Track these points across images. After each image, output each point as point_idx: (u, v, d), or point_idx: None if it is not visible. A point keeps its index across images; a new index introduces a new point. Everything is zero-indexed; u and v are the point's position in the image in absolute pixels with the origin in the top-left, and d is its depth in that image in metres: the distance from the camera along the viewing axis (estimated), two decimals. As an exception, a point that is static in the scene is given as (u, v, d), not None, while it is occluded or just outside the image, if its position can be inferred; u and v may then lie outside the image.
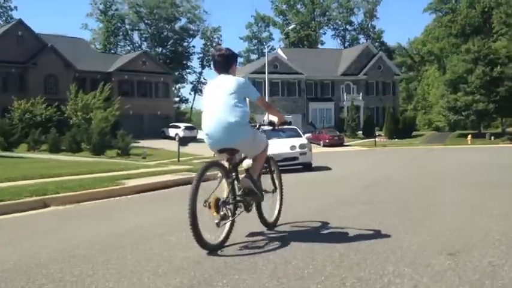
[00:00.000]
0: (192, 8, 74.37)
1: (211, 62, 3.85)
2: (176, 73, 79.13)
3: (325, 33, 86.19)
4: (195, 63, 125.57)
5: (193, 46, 79.86)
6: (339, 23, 79.84)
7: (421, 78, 78.37)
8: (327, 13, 79.06)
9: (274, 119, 4.06)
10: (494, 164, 14.50)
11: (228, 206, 3.46)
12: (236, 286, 2.51)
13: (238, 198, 3.57)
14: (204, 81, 77.82)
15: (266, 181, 4.02)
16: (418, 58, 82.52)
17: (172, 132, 40.11)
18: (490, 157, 18.59)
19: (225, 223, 3.45)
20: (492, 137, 38.30)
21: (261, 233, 3.88)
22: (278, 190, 4.22)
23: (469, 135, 37.26)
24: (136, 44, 76.04)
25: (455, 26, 75.27)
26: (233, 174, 3.59)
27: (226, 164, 3.57)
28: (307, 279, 2.59)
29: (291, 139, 13.51)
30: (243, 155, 3.81)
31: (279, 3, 78.89)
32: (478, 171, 11.83)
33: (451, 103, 40.31)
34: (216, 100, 3.57)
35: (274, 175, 4.18)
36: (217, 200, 3.34)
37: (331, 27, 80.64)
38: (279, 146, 12.25)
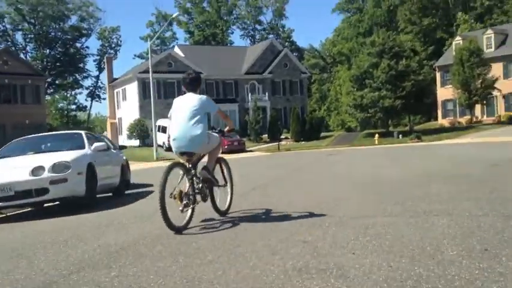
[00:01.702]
0: (83, 5, 66.89)
1: (182, 83, 4.97)
2: (70, 78, 71.15)
3: (232, 33, 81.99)
4: (90, 66, 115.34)
5: (87, 47, 71.99)
6: (248, 22, 76.33)
7: (333, 79, 77.34)
8: (234, 11, 75.25)
9: (226, 128, 5.36)
10: (378, 177, 10.50)
11: (189, 197, 4.56)
12: (194, 251, 3.72)
13: (196, 190, 4.68)
14: (102, 85, 70.61)
15: (218, 177, 5.10)
16: (330, 59, 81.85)
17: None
18: (388, 162, 15.05)
19: (187, 210, 4.56)
20: (400, 136, 36.00)
21: (215, 219, 5.06)
22: (229, 184, 5.34)
23: (376, 135, 34.59)
24: (20, 46, 67.03)
25: (363, 25, 74.87)
26: (192, 171, 4.67)
27: (186, 164, 4.68)
28: (244, 245, 3.78)
29: (46, 155, 7.51)
30: (201, 155, 4.94)
31: (182, 0, 73.74)
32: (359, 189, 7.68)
33: (357, 100, 37.55)
34: (183, 114, 4.68)
35: (225, 172, 5.34)
36: (181, 192, 4.47)
37: (240, 26, 77.00)
38: (5, 171, 6.87)
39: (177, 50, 49.82)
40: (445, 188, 6.89)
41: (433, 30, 63.08)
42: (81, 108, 75.40)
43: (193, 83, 4.90)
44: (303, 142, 40.05)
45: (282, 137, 42.29)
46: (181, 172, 4.62)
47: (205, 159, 5.04)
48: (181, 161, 4.69)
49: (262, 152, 35.31)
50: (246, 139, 41.86)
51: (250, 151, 37.14)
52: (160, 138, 39.58)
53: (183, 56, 46.74)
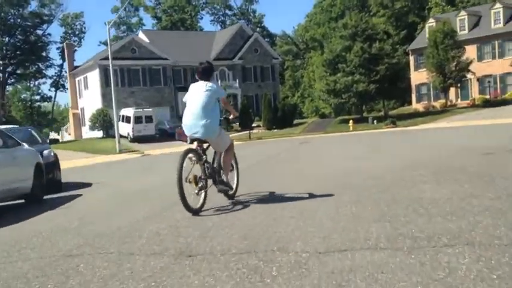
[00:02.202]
0: (44, -10, 63.05)
1: (195, 71, 5.34)
2: (33, 67, 67.39)
3: (202, 18, 79.31)
4: (54, 54, 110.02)
5: (49, 34, 68.18)
6: (217, 7, 73.72)
7: (307, 65, 75.85)
8: (203, -4, 72.58)
9: (229, 114, 5.59)
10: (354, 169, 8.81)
11: (202, 180, 4.84)
12: (209, 230, 4.01)
13: (208, 175, 4.92)
14: (66, 74, 66.95)
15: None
16: (303, 45, 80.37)
17: None
18: (365, 152, 13.46)
19: (202, 193, 4.83)
20: (375, 121, 34.66)
21: (225, 202, 5.31)
22: (235, 170, 5.60)
23: (351, 121, 33.16)
24: (-24, 33, 62.74)
25: (335, 10, 73.29)
26: (204, 157, 4.93)
27: (198, 150, 4.90)
28: (259, 224, 4.08)
29: None
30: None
31: (149, -16, 70.59)
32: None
33: (330, 85, 35.95)
34: (196, 101, 4.97)
35: (233, 162, 5.55)
36: (195, 176, 4.74)
37: (209, 11, 74.31)
38: None
39: (141, 35, 47.19)
40: (442, 188, 5.22)
41: (405, 14, 62.08)
42: (46, 98, 71.75)
43: (206, 72, 5.19)
44: (276, 130, 38.36)
45: (254, 125, 40.52)
46: (194, 158, 4.83)
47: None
48: (193, 146, 4.93)
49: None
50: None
51: (220, 140, 35.22)
52: (124, 128, 37.41)
53: (148, 41, 44.19)
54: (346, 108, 52.23)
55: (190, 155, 4.82)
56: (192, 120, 4.93)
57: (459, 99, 42.02)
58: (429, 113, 37.52)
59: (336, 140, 22.53)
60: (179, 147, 33.22)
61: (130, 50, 41.40)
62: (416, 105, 44.59)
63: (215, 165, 5.17)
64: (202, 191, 4.85)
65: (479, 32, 40.80)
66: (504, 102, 36.94)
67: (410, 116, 37.71)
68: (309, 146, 19.22)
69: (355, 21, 36.58)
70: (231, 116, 5.61)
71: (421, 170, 7.02)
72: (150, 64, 41.93)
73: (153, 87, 42.52)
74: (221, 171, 5.24)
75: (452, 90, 40.14)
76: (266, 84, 47.05)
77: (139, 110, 36.00)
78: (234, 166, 5.62)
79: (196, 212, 4.68)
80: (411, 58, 45.54)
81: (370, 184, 6.00)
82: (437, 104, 42.03)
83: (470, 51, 38.87)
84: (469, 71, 37.63)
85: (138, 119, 35.61)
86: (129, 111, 36.42)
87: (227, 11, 73.36)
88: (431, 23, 43.71)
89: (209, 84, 5.07)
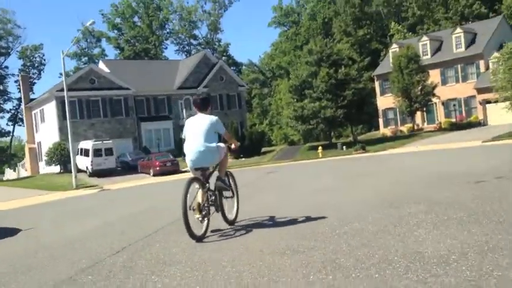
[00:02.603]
0: (0, 22, 60.77)
1: (192, 104, 6.25)
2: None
3: (166, 48, 78.29)
4: (12, 87, 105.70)
5: (7, 67, 65.49)
6: (182, 36, 72.90)
7: (274, 93, 75.67)
8: (167, 26, 71.70)
9: (231, 144, 5.82)
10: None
11: (206, 208, 5.06)
12: (216, 255, 4.13)
13: (210, 202, 5.19)
14: (23, 107, 64.01)
15: (226, 192, 5.63)
16: (270, 74, 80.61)
17: None
18: (334, 181, 12.21)
19: (205, 220, 5.02)
20: (344, 147, 33.77)
21: (225, 228, 5.43)
22: (235, 196, 5.85)
23: (320, 147, 32.15)
24: None
25: (300, 39, 73.84)
26: (207, 185, 5.18)
27: (201, 179, 5.15)
28: (260, 247, 4.19)
29: None
30: (211, 169, 5.43)
31: (111, 15, 69.20)
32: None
33: (297, 112, 34.98)
34: (196, 134, 5.23)
35: (232, 185, 5.81)
36: (199, 204, 4.95)
37: (174, 41, 73.35)
38: None
39: (101, 65, 45.49)
40: (445, 236, 3.90)
41: (367, 41, 62.96)
42: (3, 133, 68.30)
43: (204, 104, 5.52)
44: (243, 159, 36.98)
45: (221, 154, 39.04)
46: (197, 186, 5.08)
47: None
48: (197, 175, 5.20)
49: (197, 173, 31.81)
50: (181, 158, 38.23)
51: (186, 171, 33.54)
52: (83, 162, 35.23)
53: (108, 71, 42.50)
54: (315, 135, 51.32)
55: (194, 183, 5.02)
56: (194, 151, 5.20)
57: (425, 123, 42.00)
58: (397, 138, 37.16)
59: (305, 168, 21.35)
60: (142, 180, 31.50)
61: (89, 80, 39.58)
62: (384, 130, 44.30)
63: (214, 171, 5.50)
64: (205, 218, 5.06)
65: (441, 57, 41.11)
66: (470, 125, 37.25)
67: (379, 140, 37.19)
68: (277, 175, 17.90)
69: (320, 46, 36.12)
70: (233, 146, 5.84)
71: (408, 206, 5.74)
72: (110, 94, 40.14)
73: (114, 119, 40.59)
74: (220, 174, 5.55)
75: (418, 114, 40.01)
76: (232, 112, 45.88)
77: (99, 142, 33.98)
78: (234, 192, 5.86)
79: (199, 239, 4.85)
80: (376, 83, 45.47)
81: (349, 231, 4.64)
82: (405, 128, 41.81)
83: (434, 76, 38.99)
84: (434, 95, 37.59)
85: (97, 152, 33.55)
86: (87, 144, 34.36)
87: (192, 41, 72.62)
88: (394, 48, 43.92)
89: (209, 117, 5.35)
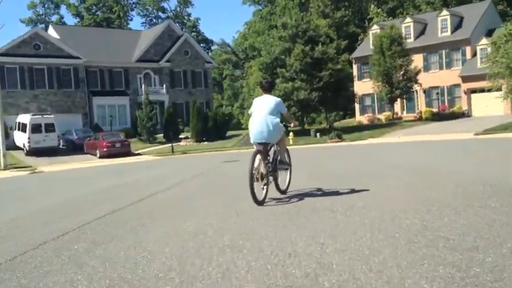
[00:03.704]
0: None
1: (259, 86, 6.53)
2: None
3: (131, 19, 72.39)
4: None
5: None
6: (150, 8, 67.29)
7: (246, 75, 71.53)
8: (134, -4, 65.95)
9: (291, 123, 6.77)
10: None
11: (266, 177, 5.73)
12: (273, 216, 4.92)
13: (270, 173, 5.82)
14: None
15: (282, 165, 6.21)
16: (243, 55, 76.50)
17: None
18: (309, 180, 8.36)
19: (266, 188, 5.73)
20: (318, 134, 30.09)
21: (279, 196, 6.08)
22: (289, 169, 6.41)
23: (291, 133, 28.34)
24: None
25: (275, 18, 69.45)
26: (268, 157, 5.81)
27: (263, 152, 5.75)
28: (302, 212, 5.00)
29: None
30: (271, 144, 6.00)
31: (72, -20, 62.90)
32: None
33: None
34: (262, 112, 5.84)
35: (287, 160, 6.35)
36: (262, 174, 5.65)
37: (141, 13, 67.66)
38: None
39: (51, 31, 40.00)
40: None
41: (345, 23, 59.37)
42: None
43: (269, 87, 6.25)
44: (206, 143, 32.80)
45: (182, 136, 34.77)
46: (260, 158, 5.66)
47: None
48: (259, 148, 5.75)
49: (152, 156, 27.51)
50: (136, 139, 33.71)
51: (139, 154, 29.12)
52: (20, 139, 30.20)
53: (59, 37, 37.18)
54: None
55: (258, 155, 5.65)
56: (259, 127, 5.82)
57: (405, 112, 39.00)
58: (375, 126, 33.76)
59: None
60: (86, 162, 26.92)
61: (33, 45, 34.25)
62: (360, 118, 40.91)
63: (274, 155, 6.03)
64: (266, 186, 5.76)
65: (425, 41, 37.88)
66: (452, 116, 34.27)
67: (355, 129, 33.69)
68: (235, 166, 13.88)
69: (296, 20, 32.03)
70: (292, 125, 6.81)
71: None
72: (58, 63, 34.95)
73: (61, 91, 35.49)
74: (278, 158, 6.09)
75: (398, 102, 36.86)
76: (198, 90, 41.44)
77: (38, 116, 29.03)
78: (289, 166, 6.42)
79: (261, 203, 5.57)
80: (354, 67, 41.92)
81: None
82: (383, 117, 38.74)
83: (417, 61, 35.64)
84: (416, 81, 34.36)
85: (35, 127, 28.62)
86: (25, 118, 29.36)
87: (160, 13, 67.13)
88: (375, 29, 40.42)
89: (274, 98, 6.01)
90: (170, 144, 30.05)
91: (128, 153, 28.33)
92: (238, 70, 76.40)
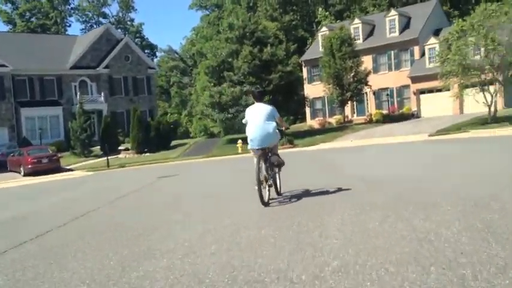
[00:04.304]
0: None
1: (252, 95, 7.62)
2: None
3: (70, 26, 68.22)
4: None
5: None
6: (90, 14, 63.42)
7: (194, 82, 69.22)
8: (71, 1, 61.96)
9: (282, 127, 6.91)
10: None
11: (269, 179, 6.28)
12: (277, 215, 5.44)
13: (270, 175, 6.32)
14: None
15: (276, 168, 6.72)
16: (191, 62, 74.28)
17: None
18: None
19: (269, 189, 6.28)
20: None
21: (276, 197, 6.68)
22: (278, 172, 6.82)
23: (239, 140, 26.33)
24: None
25: (223, 23, 67.67)
26: (267, 161, 6.28)
27: (264, 156, 6.23)
28: (301, 211, 5.61)
29: None
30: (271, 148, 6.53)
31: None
32: None
33: (215, 98, 28.74)
34: (258, 119, 6.30)
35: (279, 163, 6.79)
36: (265, 176, 6.16)
37: (80, 19, 63.62)
38: None
39: (-28, 36, 35.95)
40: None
41: (294, 27, 58.51)
42: None
43: (261, 96, 6.81)
44: (148, 154, 30.09)
45: (122, 148, 31.84)
46: (262, 162, 6.15)
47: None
48: (259, 154, 6.19)
49: (84, 171, 24.50)
50: (70, 153, 30.45)
51: (70, 170, 25.96)
52: None
53: (-20, 43, 33.29)
54: (237, 126, 46.31)
55: (261, 160, 6.14)
56: (257, 134, 6.25)
57: (355, 115, 38.07)
58: (326, 130, 32.48)
59: (218, 168, 15.35)
60: (8, 181, 23.38)
61: None
62: (311, 122, 39.59)
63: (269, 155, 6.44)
64: (269, 187, 6.30)
65: (374, 42, 37.14)
66: (402, 117, 33.60)
67: (306, 133, 32.19)
68: (171, 182, 11.62)
69: (243, 21, 30.12)
70: (283, 128, 7.01)
71: None
72: (-21, 71, 31.14)
73: (-17, 102, 31.66)
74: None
75: (348, 105, 35.82)
76: (140, 98, 38.58)
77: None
78: (278, 171, 6.80)
79: (267, 204, 6.07)
80: (304, 70, 40.73)
81: None
82: (333, 120, 37.69)
83: (366, 63, 34.81)
84: (367, 83, 33.36)
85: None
86: None
87: (101, 19, 63.38)
88: (324, 31, 39.30)
89: (267, 106, 6.49)
90: (110, 156, 27.13)
91: (58, 169, 25.13)
92: (186, 77, 74.24)
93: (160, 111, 52.64)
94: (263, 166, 6.17)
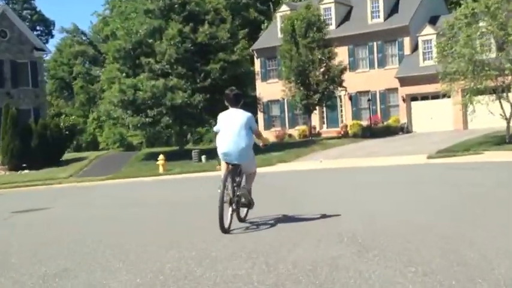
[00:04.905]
0: None
1: (225, 99, 7.18)
2: None
3: None
4: None
5: None
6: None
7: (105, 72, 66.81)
8: None
9: (259, 142, 7.67)
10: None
11: (235, 201, 6.81)
12: (239, 243, 5.94)
13: (236, 198, 6.83)
14: None
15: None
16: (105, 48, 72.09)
17: None
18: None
19: (233, 214, 6.77)
20: (203, 158, 26.15)
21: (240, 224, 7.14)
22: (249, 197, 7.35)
23: (161, 156, 24.15)
24: None
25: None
26: (237, 179, 6.86)
27: (233, 173, 6.81)
28: (268, 238, 6.17)
29: None
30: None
31: None
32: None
33: (127, 93, 26.49)
34: (231, 128, 6.78)
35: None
36: (231, 198, 6.66)
37: None
38: None
39: None
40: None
41: (244, 7, 57.59)
42: None
43: (237, 100, 7.06)
44: (26, 171, 27.43)
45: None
46: (230, 180, 6.68)
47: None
48: (230, 169, 6.73)
49: None
50: None
51: None
52: None
53: None
54: (164, 137, 44.37)
55: (229, 177, 6.66)
56: (229, 147, 6.74)
57: (325, 126, 37.63)
58: (285, 146, 31.15)
59: (121, 199, 13.07)
60: None
61: None
62: (266, 133, 37.83)
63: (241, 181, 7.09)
64: (233, 212, 6.78)
65: (351, 29, 36.53)
66: (388, 131, 33.24)
67: (258, 149, 30.30)
68: (23, 224, 8.91)
69: (168, -11, 28.26)
70: (261, 144, 7.73)
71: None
72: None
73: None
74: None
75: (315, 112, 35.02)
76: (22, 91, 35.17)
77: None
78: (251, 205, 7.32)
79: (226, 231, 6.48)
80: (257, 62, 39.49)
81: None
82: (295, 132, 37.32)
83: (340, 56, 33.88)
84: (341, 83, 32.65)
85: None
86: None
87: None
88: (284, 11, 38.37)
89: (244, 113, 6.91)
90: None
91: None
92: (97, 68, 71.50)
93: (53, 111, 49.41)
94: (230, 185, 6.67)
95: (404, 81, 34.00)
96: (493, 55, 22.97)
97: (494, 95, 22.94)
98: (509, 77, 22.68)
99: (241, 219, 7.20)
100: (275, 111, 39.05)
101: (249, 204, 7.00)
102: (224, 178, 6.52)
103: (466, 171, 14.33)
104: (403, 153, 23.47)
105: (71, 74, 71.55)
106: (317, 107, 33.93)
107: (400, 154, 23.39)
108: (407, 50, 34.98)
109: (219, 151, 6.81)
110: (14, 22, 36.67)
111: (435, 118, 32.58)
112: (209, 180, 19.08)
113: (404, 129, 33.87)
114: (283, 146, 30.85)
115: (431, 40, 31.97)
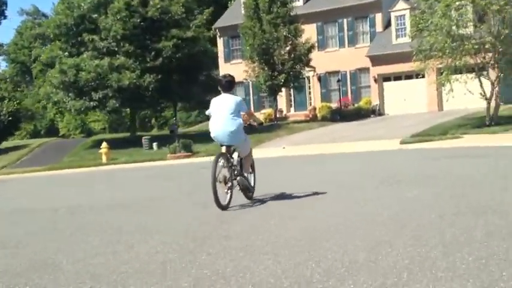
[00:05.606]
0: None
1: (218, 85, 7.65)
2: None
3: None
4: None
5: None
6: None
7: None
8: None
9: (254, 123, 8.07)
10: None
11: (230, 181, 7.19)
12: (237, 220, 6.37)
13: (234, 177, 7.27)
14: None
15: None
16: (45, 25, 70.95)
17: None
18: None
19: (230, 192, 7.21)
20: (155, 145, 23.78)
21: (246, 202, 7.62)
22: (253, 173, 8.02)
23: (104, 144, 21.96)
24: None
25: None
26: (231, 160, 7.26)
27: (227, 154, 7.22)
28: (270, 217, 6.31)
29: None
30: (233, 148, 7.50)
31: None
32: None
33: (68, 75, 23.99)
34: (222, 112, 7.22)
35: (251, 167, 8.01)
36: (225, 177, 7.07)
37: None
38: None
39: None
40: None
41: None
42: None
43: (230, 86, 7.47)
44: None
45: None
46: (223, 161, 7.11)
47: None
48: (223, 151, 7.20)
49: None
50: None
51: None
52: None
53: None
54: (127, 123, 42.89)
55: (220, 159, 7.09)
56: (220, 128, 7.20)
57: (292, 109, 36.24)
58: (248, 130, 28.70)
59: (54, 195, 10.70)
60: None
61: None
62: (229, 118, 36.14)
63: (238, 165, 7.54)
64: (230, 190, 7.20)
65: (319, 4, 34.67)
66: (359, 114, 31.87)
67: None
68: None
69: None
70: (255, 123, 8.06)
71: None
72: None
73: None
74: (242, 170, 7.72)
75: (281, 94, 33.85)
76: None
77: None
78: (253, 172, 8.02)
79: (224, 208, 6.98)
80: (219, 42, 37.65)
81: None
82: (261, 116, 34.74)
83: (308, 34, 32.43)
84: (308, 63, 31.26)
85: None
86: None
87: None
88: (247, -14, 35.91)
89: (234, 98, 7.40)
90: None
91: None
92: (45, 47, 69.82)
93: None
94: (221, 163, 7.10)
95: (376, 60, 32.48)
96: (471, 29, 21.17)
97: (473, 73, 21.02)
98: (490, 53, 20.72)
99: (249, 198, 7.81)
100: (240, 93, 36.63)
101: (247, 189, 7.64)
102: (216, 158, 7.10)
103: (447, 160, 12.04)
104: (375, 138, 21.77)
105: (30, 57, 69.13)
106: (283, 89, 32.63)
107: (372, 139, 21.63)
108: (379, 27, 33.50)
109: (212, 134, 7.38)
110: None
111: (408, 99, 31.39)
112: (151, 171, 16.78)
113: (376, 112, 32.62)
114: (245, 131, 28.96)
115: (404, 16, 30.81)
